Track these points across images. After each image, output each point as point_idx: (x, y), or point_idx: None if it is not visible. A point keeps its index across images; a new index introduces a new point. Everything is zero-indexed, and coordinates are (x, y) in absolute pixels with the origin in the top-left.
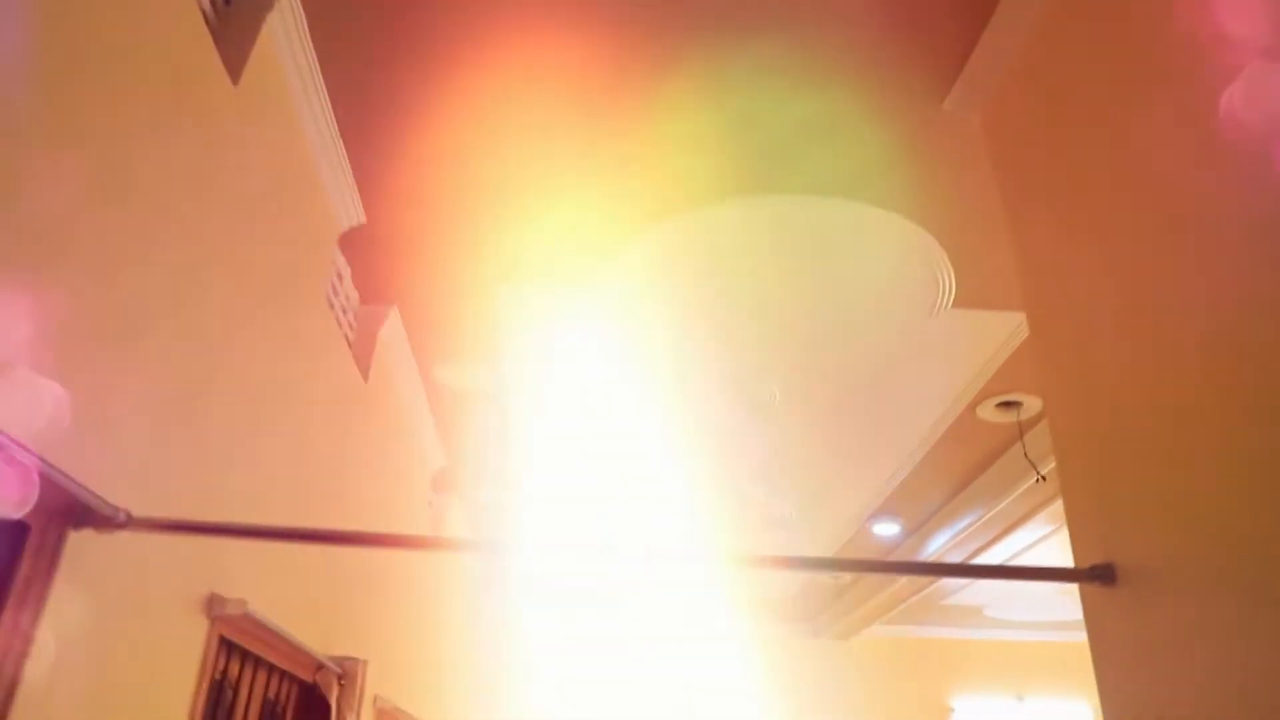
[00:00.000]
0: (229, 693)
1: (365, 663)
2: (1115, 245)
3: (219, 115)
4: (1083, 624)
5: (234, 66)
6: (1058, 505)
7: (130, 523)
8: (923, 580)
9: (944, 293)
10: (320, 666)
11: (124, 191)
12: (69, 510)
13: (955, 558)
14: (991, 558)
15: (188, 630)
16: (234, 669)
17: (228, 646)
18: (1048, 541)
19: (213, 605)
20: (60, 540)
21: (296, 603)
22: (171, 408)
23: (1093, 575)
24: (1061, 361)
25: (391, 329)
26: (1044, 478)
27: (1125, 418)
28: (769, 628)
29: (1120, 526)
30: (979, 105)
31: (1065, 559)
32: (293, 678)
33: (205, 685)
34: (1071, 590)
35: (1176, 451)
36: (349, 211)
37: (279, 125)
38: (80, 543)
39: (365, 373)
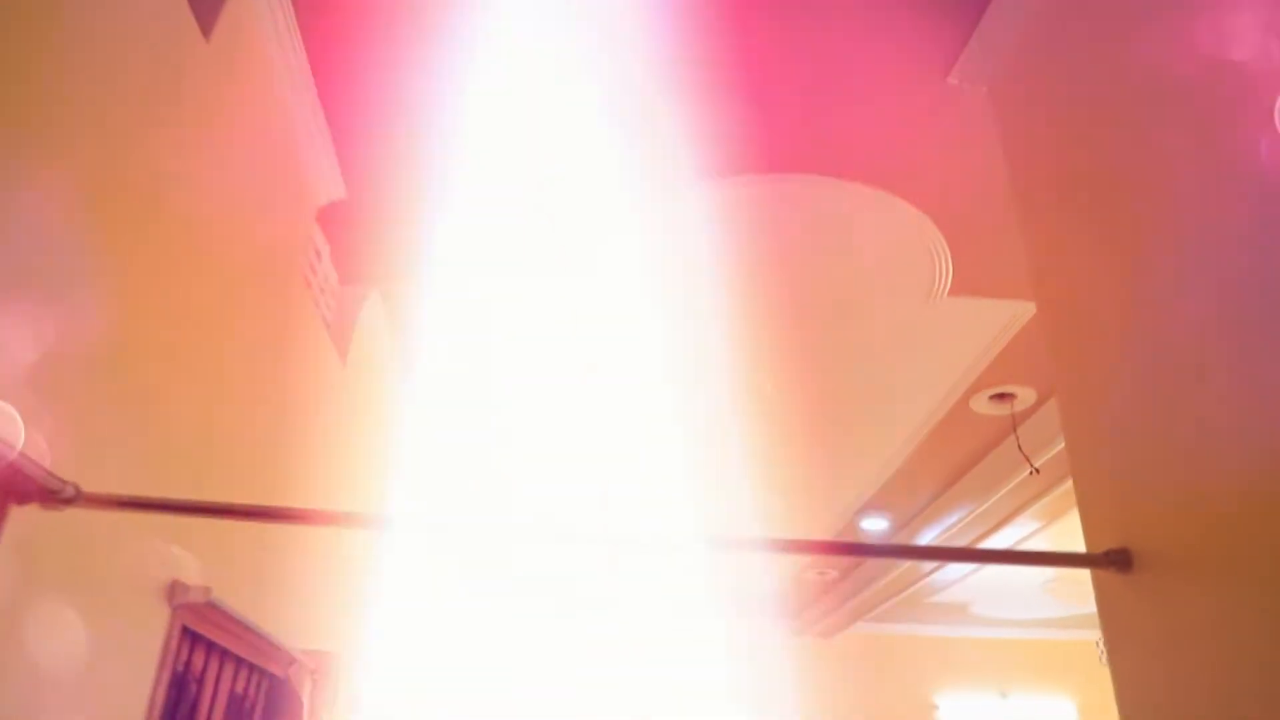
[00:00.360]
0: (192, 686)
1: (340, 656)
2: (1132, 224)
3: (187, 70)
4: (1066, 621)
5: (206, 19)
6: (1047, 501)
7: (79, 498)
8: (909, 577)
9: (940, 279)
10: (293, 660)
11: (72, 146)
12: (10, 484)
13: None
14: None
15: (147, 619)
16: (198, 661)
17: (191, 637)
18: (1035, 538)
19: (175, 593)
20: (0, 517)
21: (267, 593)
22: (130, 381)
23: (1108, 560)
24: (1071, 344)
25: (372, 312)
26: (1037, 470)
27: (1141, 399)
28: (751, 626)
29: (1136, 510)
30: (987, 77)
31: None
32: (263, 672)
33: (165, 678)
34: (1057, 588)
35: (1197, 434)
36: (328, 184)
37: (253, 86)
38: (25, 520)
39: (343, 355)
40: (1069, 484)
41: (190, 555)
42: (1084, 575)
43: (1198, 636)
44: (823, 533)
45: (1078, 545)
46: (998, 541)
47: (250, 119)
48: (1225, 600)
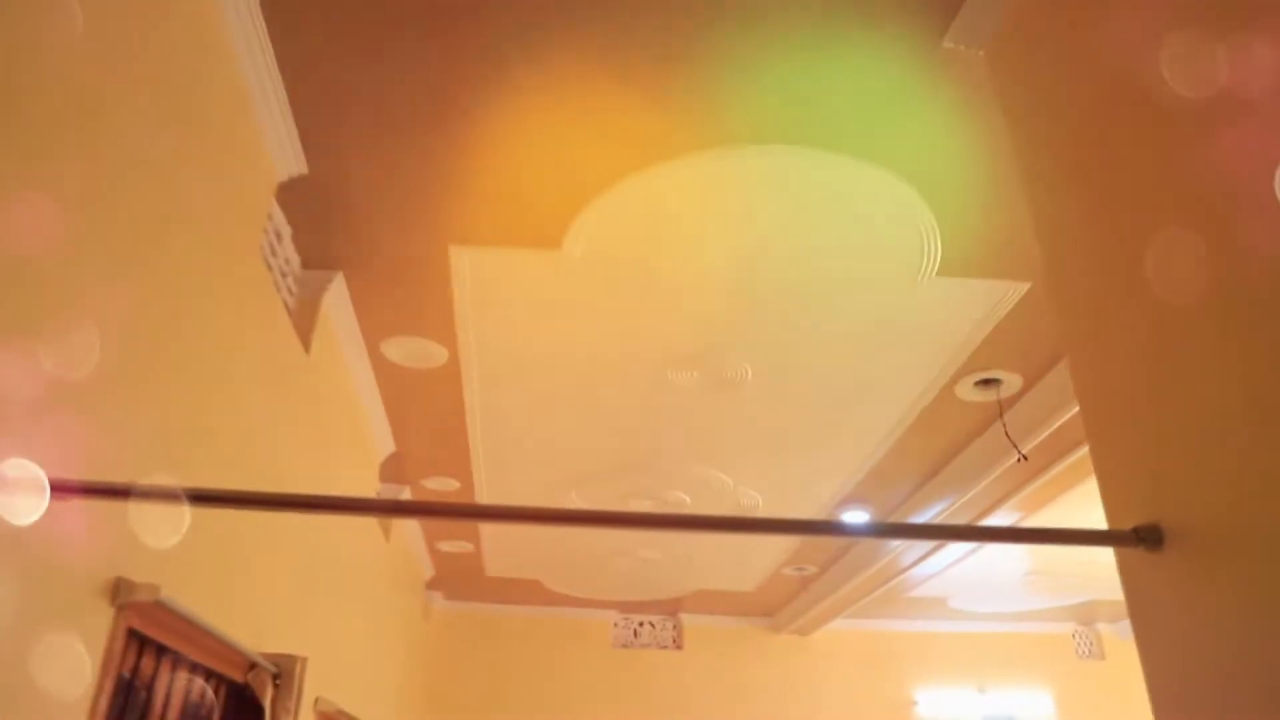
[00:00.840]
0: (141, 694)
1: (304, 660)
2: (1145, 186)
3: (128, 11)
4: (1044, 614)
5: None
6: (1030, 490)
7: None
8: (889, 571)
9: (929, 259)
10: (253, 665)
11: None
12: None
13: (923, 548)
14: (954, 552)
15: (87, 620)
16: (146, 666)
17: (139, 640)
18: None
19: (119, 591)
20: None
21: (225, 593)
22: (66, 361)
23: (1137, 538)
24: (1085, 312)
25: (336, 297)
26: (1025, 457)
27: (1169, 365)
28: (729, 623)
29: (1168, 484)
30: (986, 38)
31: (1028, 551)
32: (220, 677)
33: (109, 684)
34: (1036, 580)
35: (1242, 397)
36: (288, 158)
37: (204, 42)
38: None
39: (306, 343)
40: (1056, 471)
41: (138, 551)
42: (1064, 568)
43: (1239, 618)
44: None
45: None
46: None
47: (200, 76)
48: (1269, 578)
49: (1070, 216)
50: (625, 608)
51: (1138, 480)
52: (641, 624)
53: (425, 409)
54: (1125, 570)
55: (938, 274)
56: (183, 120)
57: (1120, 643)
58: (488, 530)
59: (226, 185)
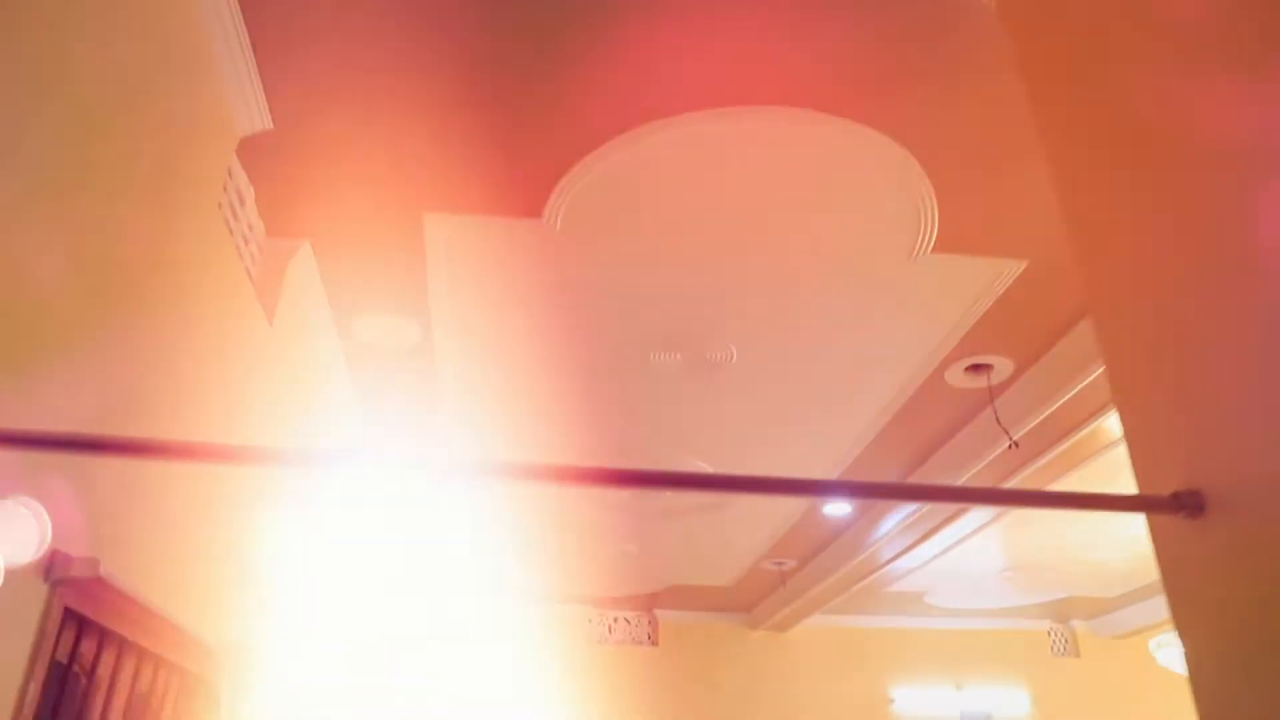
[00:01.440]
0: (80, 680)
1: (258, 648)
2: (1173, 137)
3: None
4: (1021, 611)
5: None
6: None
7: None
8: (868, 565)
9: (925, 233)
10: (206, 651)
11: None
12: None
13: (904, 541)
14: (934, 546)
15: (17, 598)
16: (87, 650)
17: (77, 621)
18: (988, 530)
19: (54, 566)
20: None
21: (177, 574)
22: (17, 335)
23: (1176, 504)
24: (1115, 268)
25: (302, 266)
26: (1016, 444)
27: (1207, 318)
28: (705, 619)
29: (1209, 447)
30: None
31: (1006, 547)
32: (172, 665)
33: (41, 671)
34: (1014, 576)
35: None
36: (251, 112)
37: None
38: None
39: (270, 314)
40: (1046, 460)
41: (77, 524)
42: (1041, 565)
43: None
44: (783, 519)
45: (1040, 531)
46: (958, 527)
47: (155, 13)
48: None
49: (1095, 173)
50: (599, 603)
51: (1174, 444)
52: (616, 620)
53: (397, 391)
54: (1160, 539)
55: (933, 250)
56: (136, 63)
57: (1095, 640)
58: None
59: (183, 132)
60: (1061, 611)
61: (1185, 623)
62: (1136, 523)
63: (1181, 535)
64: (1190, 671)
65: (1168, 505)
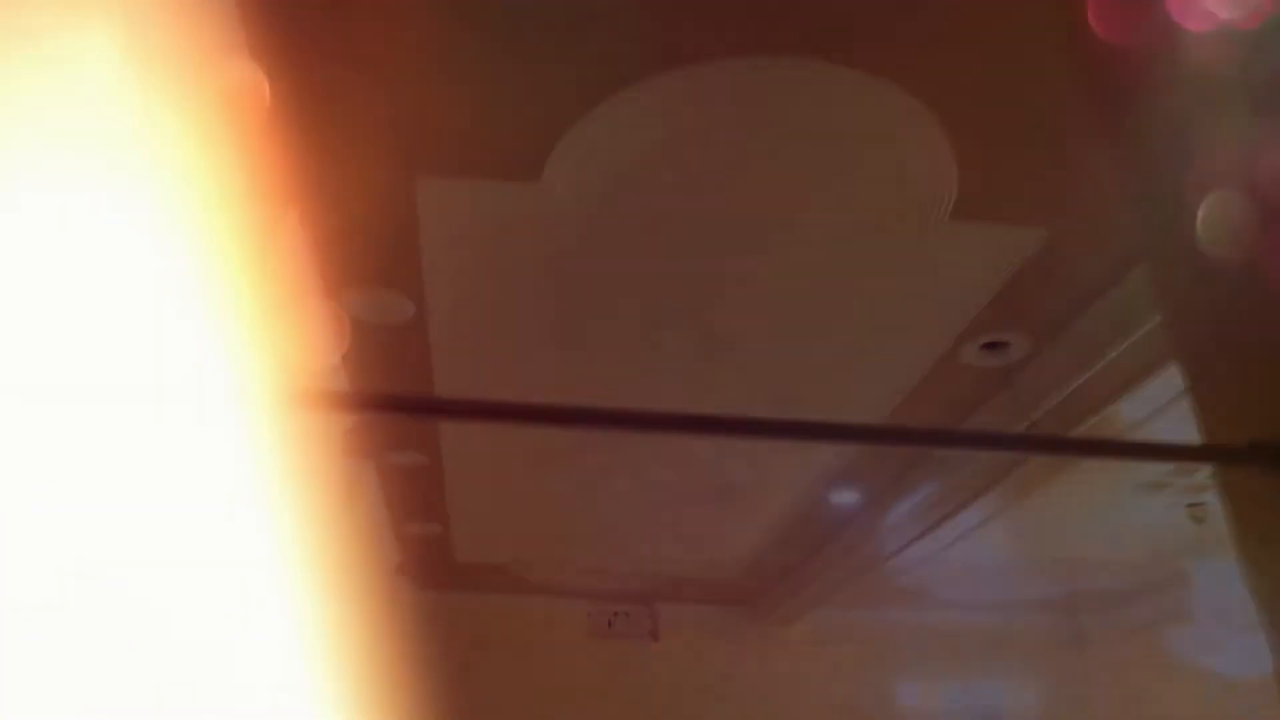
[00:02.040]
0: None
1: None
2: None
3: None
4: (1028, 605)
5: None
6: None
7: None
8: (875, 557)
9: (944, 199)
10: None
11: None
12: None
13: (913, 530)
14: (941, 539)
15: None
16: None
17: None
18: (995, 522)
19: None
20: None
21: None
22: None
23: (1252, 454)
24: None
25: (285, 237)
26: (1036, 425)
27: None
28: (707, 613)
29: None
30: None
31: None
32: None
33: None
34: (1020, 571)
35: None
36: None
37: None
38: None
39: None
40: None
41: None
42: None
43: None
44: (786, 508)
45: (1050, 521)
46: (965, 519)
47: None
48: None
49: None
50: (599, 597)
51: (1250, 392)
52: (616, 614)
53: (388, 371)
54: (1230, 494)
55: (951, 217)
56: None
57: (1104, 633)
58: (458, 510)
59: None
60: (1070, 605)
61: (1259, 579)
62: (1147, 514)
63: (1254, 490)
64: (1267, 632)
65: (1242, 455)
